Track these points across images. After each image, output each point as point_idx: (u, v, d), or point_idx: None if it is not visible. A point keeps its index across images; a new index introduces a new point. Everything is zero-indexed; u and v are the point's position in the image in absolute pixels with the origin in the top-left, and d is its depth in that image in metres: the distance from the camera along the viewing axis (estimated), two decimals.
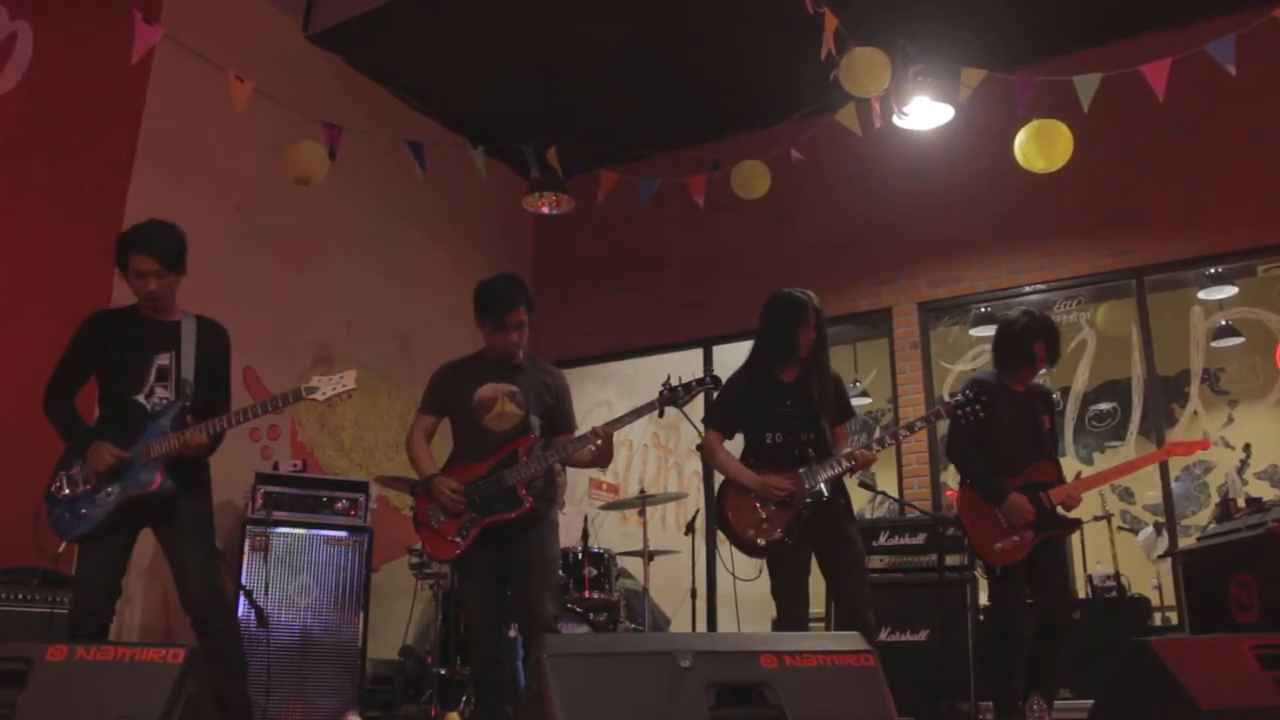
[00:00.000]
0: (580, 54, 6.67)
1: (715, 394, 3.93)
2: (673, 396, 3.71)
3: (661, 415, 3.79)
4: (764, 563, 3.84)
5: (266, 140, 5.58)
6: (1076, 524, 4.24)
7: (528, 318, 3.79)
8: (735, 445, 4.04)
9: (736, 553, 3.86)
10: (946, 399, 7.03)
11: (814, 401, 3.85)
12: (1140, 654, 2.79)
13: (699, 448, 4.18)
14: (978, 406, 3.87)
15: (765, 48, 6.50)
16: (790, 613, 3.73)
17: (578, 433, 3.86)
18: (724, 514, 3.85)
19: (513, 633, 4.24)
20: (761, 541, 3.75)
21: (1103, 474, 4.43)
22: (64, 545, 3.43)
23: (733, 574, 4.12)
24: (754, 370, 3.97)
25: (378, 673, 5.75)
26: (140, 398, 3.45)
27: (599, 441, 3.65)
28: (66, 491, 3.37)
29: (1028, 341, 4.19)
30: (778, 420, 3.86)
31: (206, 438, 3.40)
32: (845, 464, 3.78)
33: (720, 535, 3.91)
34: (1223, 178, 6.02)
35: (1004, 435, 4.15)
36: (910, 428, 4.11)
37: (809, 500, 3.73)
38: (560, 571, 4.91)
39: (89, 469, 3.35)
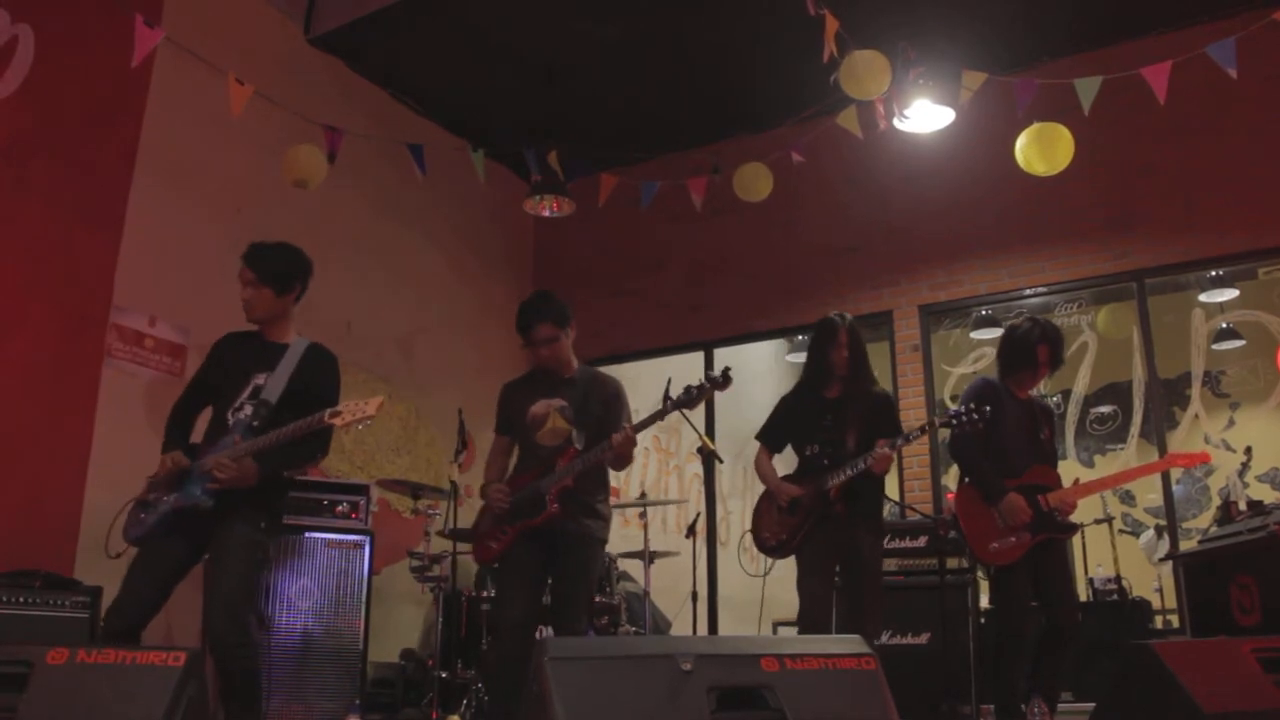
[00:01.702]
0: (581, 57, 6.68)
1: (723, 392, 3.93)
2: (686, 399, 3.72)
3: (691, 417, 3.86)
4: (771, 561, 4.19)
5: (267, 143, 5.58)
6: (1074, 528, 4.26)
7: (559, 332, 3.87)
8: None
9: (747, 555, 4.11)
10: (949, 403, 7.06)
11: (847, 416, 4.08)
12: (1142, 657, 2.78)
13: (699, 450, 4.20)
14: (975, 417, 3.92)
15: (766, 50, 6.51)
16: (808, 615, 3.94)
17: None
18: (754, 517, 4.27)
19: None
20: (774, 543, 4.13)
21: (1101, 481, 4.43)
22: (124, 548, 3.42)
23: (747, 573, 4.35)
24: (801, 389, 4.31)
25: (379, 676, 5.74)
26: (229, 414, 3.46)
27: (617, 442, 3.70)
28: (142, 498, 3.44)
29: (1030, 346, 4.25)
30: (816, 434, 4.15)
31: (239, 460, 3.31)
32: (862, 464, 3.95)
33: (726, 536, 4.10)
34: (1223, 180, 6.02)
35: (1006, 438, 4.18)
36: (907, 438, 4.11)
37: (812, 508, 3.97)
38: None
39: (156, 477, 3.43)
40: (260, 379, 3.49)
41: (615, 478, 8.17)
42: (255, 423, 3.39)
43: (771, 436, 4.36)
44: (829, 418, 4.14)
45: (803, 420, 4.23)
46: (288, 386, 3.47)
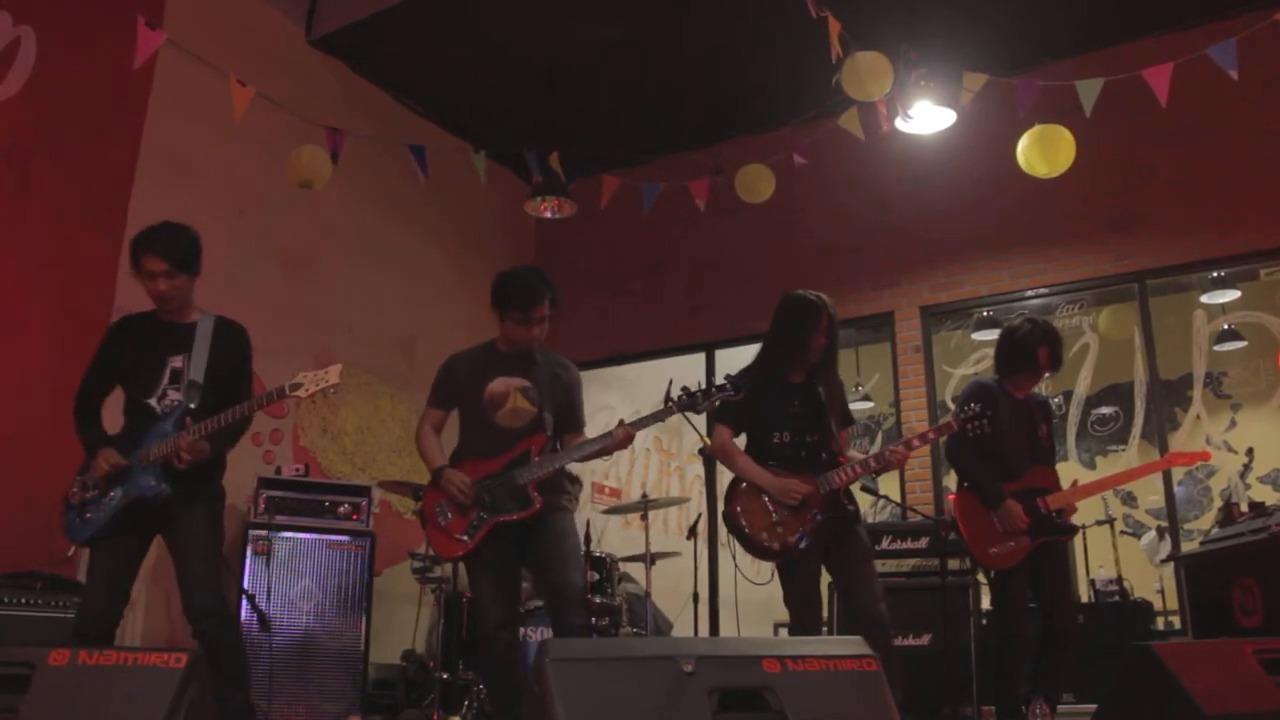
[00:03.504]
0: (582, 58, 6.68)
1: (733, 399, 3.67)
2: (690, 401, 3.57)
3: (692, 418, 3.72)
4: (775, 568, 3.79)
5: (269, 145, 5.59)
6: (1074, 529, 4.24)
7: (550, 313, 3.72)
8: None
9: (747, 557, 3.80)
10: (950, 404, 7.05)
11: (821, 404, 3.81)
12: (1144, 658, 2.79)
13: (701, 451, 4.15)
14: (984, 421, 3.82)
15: (766, 51, 6.51)
16: (805, 619, 3.67)
17: (594, 433, 3.77)
18: (735, 516, 3.76)
19: (531, 636, 4.18)
20: (776, 546, 3.66)
21: (1101, 481, 4.40)
22: (73, 549, 3.43)
23: (749, 580, 4.01)
24: (763, 369, 3.89)
25: (380, 677, 5.74)
26: (152, 401, 3.44)
27: (618, 438, 3.58)
28: (79, 497, 3.41)
29: (1031, 348, 4.20)
30: (785, 420, 3.80)
31: (200, 440, 3.34)
32: (874, 464, 3.73)
33: (727, 537, 3.86)
34: (1225, 181, 6.02)
35: (1004, 440, 4.14)
36: (923, 438, 4.05)
37: (819, 508, 3.68)
38: None
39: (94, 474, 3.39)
40: (177, 361, 3.47)
41: (615, 479, 8.22)
42: (192, 405, 3.40)
43: (736, 417, 3.84)
44: (796, 404, 3.80)
45: (766, 404, 3.78)
46: (209, 365, 3.48)
